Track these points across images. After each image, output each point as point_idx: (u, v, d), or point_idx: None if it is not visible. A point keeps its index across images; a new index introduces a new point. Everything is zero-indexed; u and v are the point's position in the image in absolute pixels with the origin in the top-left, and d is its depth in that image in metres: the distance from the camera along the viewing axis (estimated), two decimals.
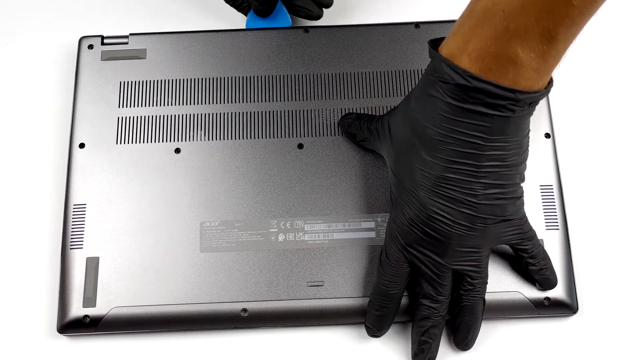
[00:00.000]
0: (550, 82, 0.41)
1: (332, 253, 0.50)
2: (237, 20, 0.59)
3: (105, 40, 0.56)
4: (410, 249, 0.45)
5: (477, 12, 0.39)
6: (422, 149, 0.43)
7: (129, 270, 0.49)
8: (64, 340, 0.50)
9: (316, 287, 0.49)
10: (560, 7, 0.37)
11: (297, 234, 0.50)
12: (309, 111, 0.54)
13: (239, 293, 0.48)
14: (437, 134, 0.42)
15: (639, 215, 0.53)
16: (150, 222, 0.50)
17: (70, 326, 0.48)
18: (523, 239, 0.46)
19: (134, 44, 0.56)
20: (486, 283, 0.47)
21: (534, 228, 0.47)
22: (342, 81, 0.55)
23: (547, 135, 0.53)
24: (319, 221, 0.51)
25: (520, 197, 0.44)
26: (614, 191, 0.54)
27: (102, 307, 0.48)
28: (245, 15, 0.58)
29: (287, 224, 0.50)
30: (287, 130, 0.53)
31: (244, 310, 0.48)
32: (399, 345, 0.49)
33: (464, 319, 0.47)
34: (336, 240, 0.50)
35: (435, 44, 0.42)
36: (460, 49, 0.40)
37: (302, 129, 0.53)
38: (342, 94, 0.54)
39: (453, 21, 0.56)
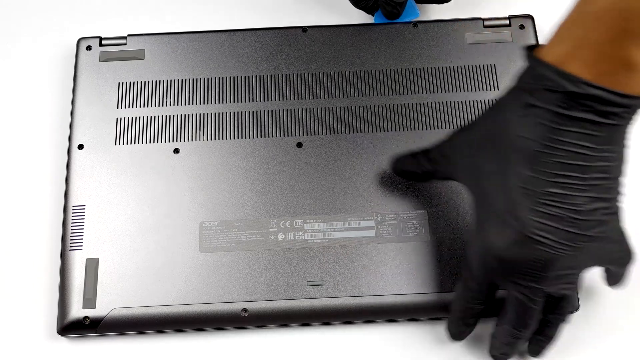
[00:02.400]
0: None
1: (332, 252, 0.49)
2: (235, 20, 0.59)
3: (104, 42, 0.56)
4: (503, 277, 0.42)
5: (590, 16, 0.37)
6: (521, 165, 0.39)
7: (128, 271, 0.49)
8: (64, 342, 0.49)
9: (316, 287, 0.49)
10: None
11: (297, 233, 0.50)
12: (308, 110, 0.54)
13: (239, 293, 0.48)
14: (541, 146, 0.38)
15: (639, 213, 0.53)
16: (150, 222, 0.50)
17: (70, 328, 0.48)
18: (624, 260, 0.43)
19: (132, 45, 0.56)
20: (576, 309, 0.45)
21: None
22: (340, 80, 0.55)
23: None
24: (318, 220, 0.50)
25: (619, 211, 0.41)
26: None
27: (102, 309, 0.48)
28: (371, 14, 0.58)
29: (287, 224, 0.50)
30: (286, 130, 0.53)
31: (244, 310, 0.48)
32: (399, 345, 0.49)
33: (540, 338, 0.45)
34: (336, 239, 0.50)
35: (530, 50, 0.40)
36: (570, 54, 0.37)
37: (301, 128, 0.53)
38: (341, 93, 0.54)
39: (452, 20, 0.56)
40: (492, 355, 0.47)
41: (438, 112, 0.53)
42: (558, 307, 0.43)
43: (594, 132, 0.38)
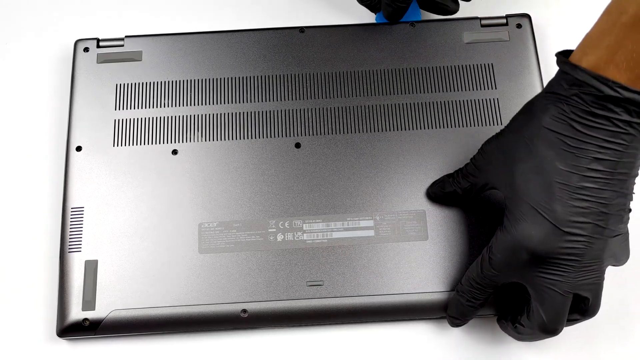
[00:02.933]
0: None
1: (331, 252, 0.50)
2: (232, 21, 0.59)
3: (101, 43, 0.56)
4: (531, 270, 0.43)
5: (623, 25, 0.39)
6: (556, 161, 0.41)
7: (127, 273, 0.49)
8: (64, 344, 0.49)
9: (315, 287, 0.49)
10: None
11: (296, 233, 0.50)
12: (306, 110, 0.54)
13: (239, 294, 0.48)
14: (575, 142, 0.41)
15: (638, 213, 0.53)
16: (149, 224, 0.50)
17: (69, 330, 0.48)
18: (624, 261, 0.45)
19: (129, 46, 0.56)
20: (595, 313, 0.45)
21: None
22: (338, 80, 0.55)
23: None
24: (317, 220, 0.50)
25: (631, 209, 0.43)
26: None
27: (102, 310, 0.48)
28: (374, 12, 0.58)
29: (286, 224, 0.50)
30: (284, 130, 0.53)
31: (244, 311, 0.48)
32: (398, 344, 0.49)
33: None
34: (335, 239, 0.50)
35: (564, 57, 0.42)
36: (606, 60, 0.39)
37: (299, 129, 0.53)
38: (339, 93, 0.54)
39: (449, 20, 0.56)
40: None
41: (435, 112, 0.53)
42: (579, 309, 0.44)
43: (626, 130, 0.40)
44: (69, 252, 0.50)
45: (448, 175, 0.50)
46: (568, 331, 0.48)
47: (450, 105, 0.54)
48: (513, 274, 0.44)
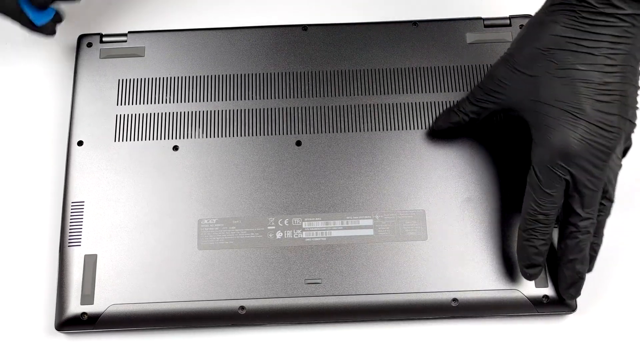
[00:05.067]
0: None
1: (330, 250, 0.50)
2: (235, 18, 0.59)
3: (104, 39, 0.56)
4: (569, 165, 0.45)
5: None
6: (576, 62, 0.44)
7: (127, 268, 0.49)
8: (62, 338, 0.50)
9: (314, 285, 0.49)
10: None
11: (295, 231, 0.50)
12: (307, 108, 0.54)
13: (237, 290, 0.48)
14: (591, 42, 0.43)
15: (638, 213, 0.53)
16: (148, 219, 0.50)
17: (68, 323, 0.48)
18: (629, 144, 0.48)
19: (132, 42, 0.56)
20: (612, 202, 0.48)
21: None
22: (340, 79, 0.55)
23: None
24: (317, 219, 0.50)
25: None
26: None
27: (100, 305, 0.48)
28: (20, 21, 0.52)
29: (285, 222, 0.50)
30: (285, 128, 0.53)
31: (242, 307, 0.48)
32: (397, 344, 0.49)
33: (593, 240, 0.47)
34: (334, 237, 0.50)
35: None
36: None
37: (300, 127, 0.53)
38: (341, 92, 0.54)
39: (452, 20, 0.56)
40: (574, 269, 0.47)
41: (437, 112, 0.53)
42: (602, 203, 0.47)
43: (632, 23, 0.43)
44: (69, 246, 0.50)
45: (451, 107, 0.52)
46: (564, 330, 0.48)
47: (452, 105, 0.54)
48: (561, 180, 0.45)
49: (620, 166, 0.48)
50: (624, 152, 0.48)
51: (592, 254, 0.48)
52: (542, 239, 0.46)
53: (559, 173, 0.45)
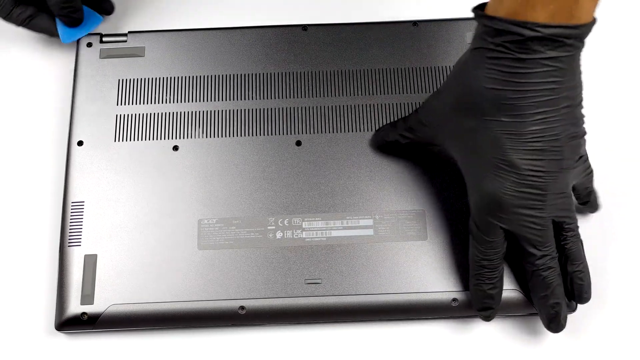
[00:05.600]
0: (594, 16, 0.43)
1: (329, 251, 0.50)
2: (235, 18, 0.59)
3: (104, 38, 0.56)
4: (506, 215, 0.44)
5: None
6: (499, 114, 0.43)
7: (127, 268, 0.49)
8: (62, 338, 0.50)
9: (314, 285, 0.49)
10: None
11: (295, 231, 0.50)
12: (307, 108, 0.54)
13: (237, 291, 0.48)
14: (513, 93, 0.42)
15: (637, 212, 0.53)
16: (148, 219, 0.50)
17: (68, 323, 0.48)
18: (590, 175, 0.49)
19: (132, 42, 0.56)
20: (577, 225, 0.47)
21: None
22: (340, 79, 0.55)
23: None
24: (317, 219, 0.50)
25: (585, 132, 0.45)
26: (613, 188, 0.53)
27: (100, 305, 0.48)
28: (52, 35, 0.57)
29: (285, 222, 0.50)
30: (285, 128, 0.53)
31: (242, 307, 0.48)
32: (397, 344, 0.49)
33: (574, 268, 0.47)
34: (334, 237, 0.50)
35: (478, 12, 0.43)
36: (521, 3, 0.40)
37: (300, 126, 0.53)
38: (341, 92, 0.54)
39: (452, 20, 0.56)
40: (547, 308, 0.46)
41: None
42: (564, 234, 0.46)
43: (557, 66, 0.41)
44: (69, 246, 0.50)
45: (391, 124, 0.51)
46: (564, 330, 0.48)
47: None
48: (499, 228, 0.45)
49: (589, 173, 0.48)
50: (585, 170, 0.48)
51: (580, 283, 0.47)
52: (490, 284, 0.46)
53: (495, 222, 0.45)
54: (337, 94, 0.54)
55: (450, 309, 0.48)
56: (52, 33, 0.56)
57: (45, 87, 0.58)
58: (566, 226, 0.46)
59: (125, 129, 0.53)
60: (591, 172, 0.49)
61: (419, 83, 0.54)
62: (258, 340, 0.49)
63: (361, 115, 0.53)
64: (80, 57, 0.56)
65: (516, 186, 0.43)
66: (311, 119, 0.53)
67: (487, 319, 0.47)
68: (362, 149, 0.52)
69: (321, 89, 0.54)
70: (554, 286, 0.46)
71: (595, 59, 0.58)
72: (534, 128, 0.42)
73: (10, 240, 0.52)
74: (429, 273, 0.49)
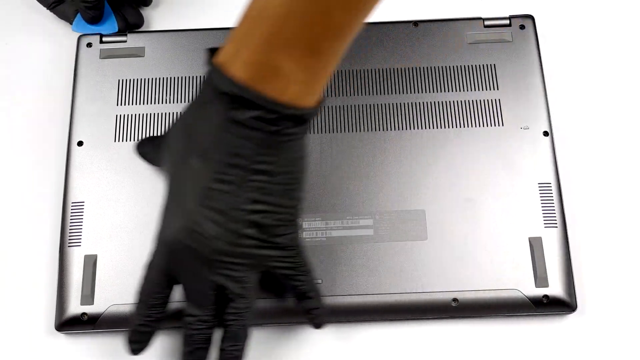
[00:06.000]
0: (321, 102, 0.41)
1: (329, 251, 0.49)
2: (235, 17, 0.59)
3: (104, 39, 0.56)
4: (174, 265, 0.43)
5: (248, 19, 0.39)
6: (194, 158, 0.41)
7: (126, 268, 0.49)
8: (62, 338, 0.50)
9: None
10: (321, 20, 0.36)
11: None
12: None
13: None
14: (209, 143, 0.40)
15: (638, 213, 0.53)
16: (148, 219, 0.50)
17: (68, 324, 0.48)
18: (295, 272, 0.44)
19: (132, 42, 0.56)
20: (252, 312, 0.44)
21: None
22: (340, 79, 0.55)
23: (546, 133, 0.53)
24: (316, 219, 0.50)
25: (293, 222, 0.43)
26: (613, 189, 0.53)
27: (100, 305, 0.48)
28: (70, 22, 0.58)
29: None
30: None
31: None
32: (396, 344, 0.49)
33: (226, 345, 0.44)
34: (334, 237, 0.50)
35: (214, 51, 0.41)
36: (233, 55, 0.39)
37: None
38: (340, 92, 0.54)
39: (452, 20, 0.56)
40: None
41: (438, 112, 0.53)
42: (228, 309, 0.44)
43: (253, 135, 0.39)
44: (69, 246, 0.50)
45: (151, 139, 0.51)
46: (565, 330, 0.48)
47: (452, 106, 0.54)
48: (167, 267, 0.43)
49: (294, 267, 0.44)
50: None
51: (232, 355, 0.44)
52: (143, 318, 0.44)
53: (162, 256, 0.44)
54: (337, 94, 0.54)
55: (450, 309, 0.48)
56: (70, 21, 0.58)
57: (45, 88, 0.58)
58: (232, 304, 0.43)
59: (126, 129, 0.53)
60: (305, 270, 0.45)
61: (419, 83, 0.54)
62: (258, 341, 0.49)
63: (361, 115, 0.53)
64: (80, 57, 0.56)
65: (184, 235, 0.41)
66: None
67: (136, 353, 0.45)
68: (362, 149, 0.52)
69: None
70: (194, 351, 0.44)
71: (595, 59, 0.58)
72: (215, 186, 0.40)
73: (10, 240, 0.52)
74: (429, 273, 0.49)
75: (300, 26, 0.37)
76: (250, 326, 0.44)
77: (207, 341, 0.44)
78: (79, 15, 0.57)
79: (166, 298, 0.44)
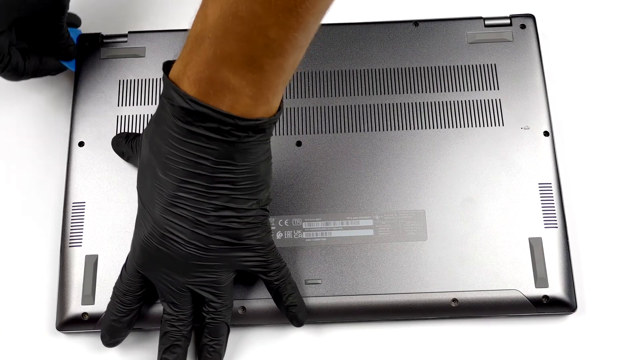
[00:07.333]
0: (279, 110, 0.41)
1: (329, 251, 0.50)
2: None
3: (105, 39, 0.56)
4: (146, 268, 0.45)
5: (192, 37, 0.39)
6: (158, 167, 0.42)
7: None
8: (63, 338, 0.50)
9: (314, 285, 0.49)
10: (257, 38, 0.37)
11: (295, 231, 0.50)
12: (308, 109, 0.54)
13: (237, 291, 0.48)
14: (170, 153, 0.41)
15: (638, 213, 0.53)
16: None
17: (69, 323, 0.49)
18: (267, 269, 0.46)
19: (133, 43, 0.56)
20: (230, 308, 0.46)
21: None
22: (340, 79, 0.55)
23: (546, 134, 0.52)
24: (317, 219, 0.51)
25: (260, 224, 0.44)
26: (613, 189, 0.53)
27: (101, 305, 0.48)
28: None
29: (285, 222, 0.50)
30: (285, 128, 0.53)
31: (242, 308, 0.48)
32: (396, 344, 0.49)
33: (206, 341, 0.46)
34: (334, 238, 0.50)
35: (171, 64, 0.42)
36: (182, 71, 0.39)
37: (300, 127, 0.53)
38: (341, 92, 0.54)
39: (453, 19, 0.56)
40: (161, 358, 0.46)
41: (438, 111, 0.53)
42: (206, 308, 0.46)
43: (211, 146, 0.40)
44: (70, 246, 0.50)
45: (127, 135, 0.52)
46: (564, 330, 0.48)
47: (452, 105, 0.54)
48: (141, 270, 0.45)
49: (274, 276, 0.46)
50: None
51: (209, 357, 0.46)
52: (115, 317, 0.46)
53: (136, 260, 0.45)
54: (337, 94, 0.54)
55: (450, 309, 0.48)
56: (61, 69, 0.56)
57: (45, 88, 0.58)
58: (209, 302, 0.45)
59: (126, 129, 0.53)
60: (277, 266, 0.46)
61: (419, 83, 0.54)
62: (258, 341, 0.49)
63: (361, 115, 0.53)
64: (80, 58, 0.56)
65: (156, 242, 0.43)
66: (311, 119, 0.53)
67: (110, 345, 0.47)
68: (362, 149, 0.52)
69: (321, 89, 0.54)
70: (170, 347, 0.46)
71: (596, 59, 0.58)
72: (179, 194, 0.41)
73: (11, 240, 0.53)
74: (429, 273, 0.49)
75: (238, 45, 0.37)
76: (229, 321, 0.46)
77: (184, 338, 0.46)
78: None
79: (139, 297, 0.46)
